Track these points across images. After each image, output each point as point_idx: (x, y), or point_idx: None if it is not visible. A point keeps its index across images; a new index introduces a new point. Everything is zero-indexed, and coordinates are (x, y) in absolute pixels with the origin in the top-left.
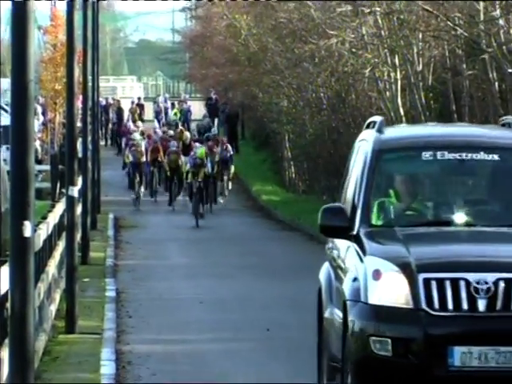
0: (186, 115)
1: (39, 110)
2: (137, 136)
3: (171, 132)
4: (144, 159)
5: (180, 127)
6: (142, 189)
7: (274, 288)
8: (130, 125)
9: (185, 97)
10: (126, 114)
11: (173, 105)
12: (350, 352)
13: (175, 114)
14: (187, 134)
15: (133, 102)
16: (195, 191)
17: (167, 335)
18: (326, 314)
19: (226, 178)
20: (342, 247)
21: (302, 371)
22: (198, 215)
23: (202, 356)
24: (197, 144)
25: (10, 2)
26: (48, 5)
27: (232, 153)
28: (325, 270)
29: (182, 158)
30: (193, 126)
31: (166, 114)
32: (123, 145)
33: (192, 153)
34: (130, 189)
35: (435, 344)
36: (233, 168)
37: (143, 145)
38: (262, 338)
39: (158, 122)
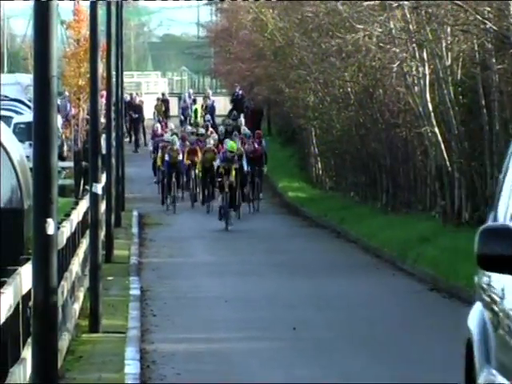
0: (210, 111)
1: (68, 105)
2: (169, 137)
3: (202, 130)
4: (180, 158)
5: (210, 128)
6: (179, 193)
7: (301, 286)
8: (158, 127)
9: (208, 92)
10: (152, 112)
11: (194, 101)
12: None
13: (195, 111)
14: (214, 137)
15: (158, 99)
16: (226, 191)
17: (192, 334)
18: (482, 380)
19: (257, 179)
20: (509, 285)
21: (328, 373)
22: (227, 218)
23: (227, 355)
24: (226, 140)
25: None
26: None
27: (265, 150)
28: (477, 314)
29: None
30: (218, 121)
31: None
32: (151, 148)
33: (223, 149)
34: (162, 195)
35: None
36: (265, 168)
37: (178, 143)
38: (289, 338)
39: (185, 118)
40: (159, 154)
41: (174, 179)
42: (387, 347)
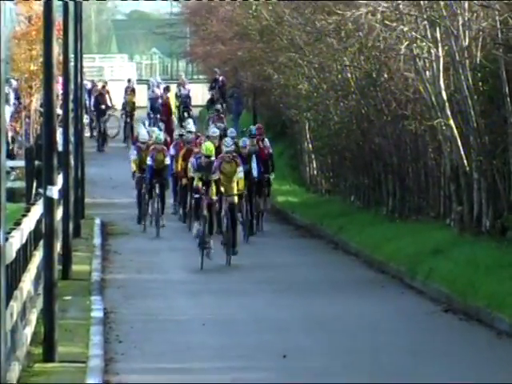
0: (185, 102)
1: (12, 95)
2: (144, 134)
3: (190, 127)
4: (168, 162)
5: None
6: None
7: (292, 307)
8: (142, 127)
9: (183, 80)
10: (122, 102)
11: (167, 89)
12: None
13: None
14: (213, 133)
15: (128, 88)
16: (204, 214)
17: (164, 363)
18: None
19: (263, 189)
20: None
21: None
22: (205, 249)
23: None
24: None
25: None
26: None
27: (271, 150)
28: None
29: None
30: (195, 112)
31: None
32: (134, 152)
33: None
34: (140, 212)
35: None
36: (273, 175)
37: (163, 138)
38: (278, 368)
39: (154, 112)
40: (134, 157)
41: (157, 191)
42: (395, 379)
